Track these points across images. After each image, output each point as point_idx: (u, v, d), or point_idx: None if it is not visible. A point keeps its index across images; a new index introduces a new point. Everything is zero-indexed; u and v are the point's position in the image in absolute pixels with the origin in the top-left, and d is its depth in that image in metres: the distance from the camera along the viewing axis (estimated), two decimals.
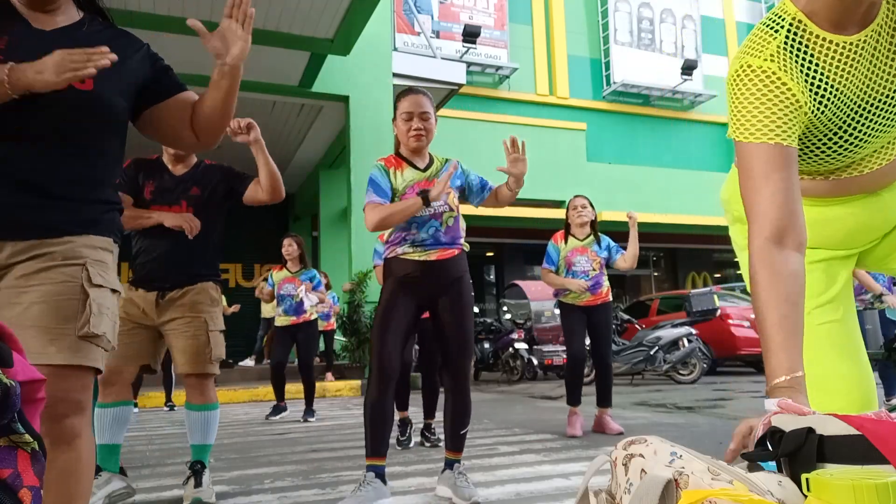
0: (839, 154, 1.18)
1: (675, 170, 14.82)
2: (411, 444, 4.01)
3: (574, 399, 4.30)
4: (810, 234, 1.20)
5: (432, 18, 13.59)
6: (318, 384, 8.13)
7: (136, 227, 2.65)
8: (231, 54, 1.57)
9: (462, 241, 2.70)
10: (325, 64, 8.34)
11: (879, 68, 1.15)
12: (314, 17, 7.00)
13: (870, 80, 1.15)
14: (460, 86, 9.14)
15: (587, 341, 4.57)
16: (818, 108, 1.14)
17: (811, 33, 1.13)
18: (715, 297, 9.87)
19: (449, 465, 2.63)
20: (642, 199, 14.45)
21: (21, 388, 0.83)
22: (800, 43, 1.13)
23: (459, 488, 2.50)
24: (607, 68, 15.05)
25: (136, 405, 7.05)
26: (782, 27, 1.13)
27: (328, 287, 7.90)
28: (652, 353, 8.38)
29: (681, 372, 8.50)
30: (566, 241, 4.41)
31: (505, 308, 11.48)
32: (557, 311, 4.51)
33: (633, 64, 15.06)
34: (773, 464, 1.15)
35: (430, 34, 13.04)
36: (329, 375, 8.57)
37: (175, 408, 7.01)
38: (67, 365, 1.33)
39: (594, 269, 4.32)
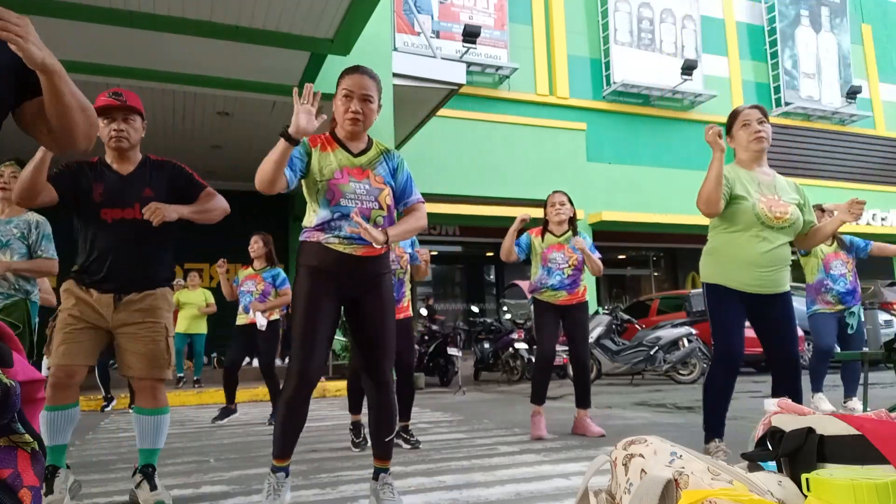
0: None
1: (675, 170, 14.82)
2: (367, 446, 3.88)
3: (540, 398, 4.23)
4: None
5: (432, 18, 13.59)
6: (325, 384, 8.14)
7: (38, 176, 2.39)
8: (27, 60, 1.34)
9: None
10: (325, 64, 8.34)
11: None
12: (314, 17, 6.99)
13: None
14: (460, 86, 9.14)
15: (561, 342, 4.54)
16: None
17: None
18: None
19: (375, 474, 2.45)
20: (642, 199, 14.44)
21: (21, 388, 0.83)
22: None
23: (383, 501, 2.35)
24: (607, 68, 15.04)
25: (109, 402, 7.03)
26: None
27: None
28: (652, 353, 8.38)
29: (681, 372, 8.50)
30: (543, 238, 4.38)
31: (505, 308, 11.48)
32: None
33: (633, 64, 15.06)
34: (773, 464, 1.15)
35: (430, 34, 13.04)
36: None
37: (111, 406, 6.96)
38: None
39: (570, 266, 4.29)
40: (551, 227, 4.38)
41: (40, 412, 0.93)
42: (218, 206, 2.75)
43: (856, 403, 5.01)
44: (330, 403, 7.18)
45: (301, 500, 2.69)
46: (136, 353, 2.59)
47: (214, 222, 2.76)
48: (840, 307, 4.95)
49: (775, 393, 2.78)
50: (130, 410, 6.85)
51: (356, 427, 3.97)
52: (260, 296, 5.35)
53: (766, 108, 2.95)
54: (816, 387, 4.95)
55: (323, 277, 2.33)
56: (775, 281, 2.79)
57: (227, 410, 5.59)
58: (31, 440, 0.85)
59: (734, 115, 2.95)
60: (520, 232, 4.35)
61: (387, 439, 2.43)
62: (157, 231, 2.60)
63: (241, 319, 5.45)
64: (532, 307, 4.47)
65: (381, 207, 2.36)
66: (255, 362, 6.17)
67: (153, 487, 2.61)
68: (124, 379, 2.77)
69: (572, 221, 4.40)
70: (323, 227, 2.32)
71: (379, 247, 2.28)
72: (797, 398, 2.68)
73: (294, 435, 2.34)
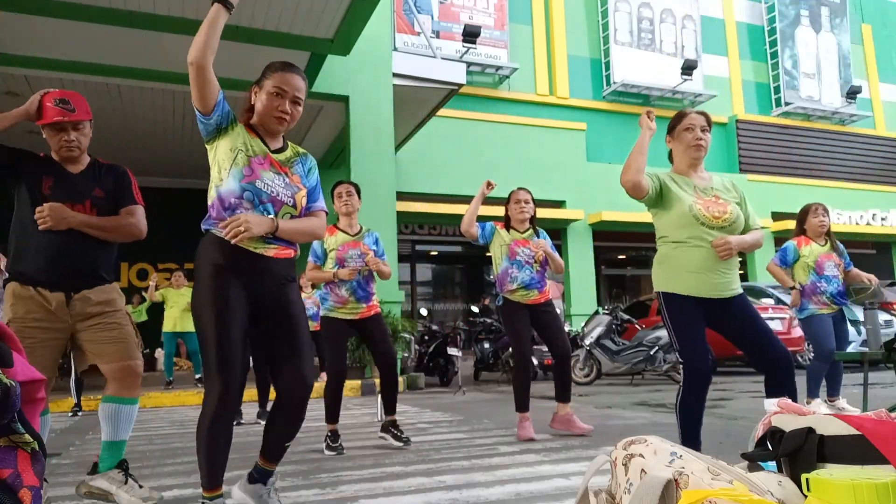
0: None
1: None
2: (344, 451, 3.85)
3: (525, 405, 4.20)
4: None
5: (432, 18, 13.59)
6: (317, 384, 8.13)
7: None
8: None
9: (296, 245, 2.35)
10: (325, 64, 8.34)
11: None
12: (314, 17, 6.99)
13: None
14: (460, 86, 9.14)
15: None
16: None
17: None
18: None
19: (262, 477, 2.36)
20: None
21: (21, 388, 0.83)
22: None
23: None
24: (607, 68, 15.04)
25: (78, 411, 6.75)
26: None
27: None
28: (652, 353, 8.37)
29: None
30: (508, 231, 4.36)
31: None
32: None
33: (633, 64, 15.06)
34: (773, 464, 1.15)
35: (430, 34, 13.04)
36: (323, 375, 8.56)
37: (80, 413, 6.64)
38: None
39: (536, 262, 4.27)
40: (514, 225, 4.37)
41: (40, 412, 0.93)
42: (127, 227, 2.68)
43: (842, 402, 5.00)
44: None
45: (301, 500, 2.69)
46: (106, 341, 2.57)
47: (118, 241, 2.70)
48: (835, 307, 4.95)
49: (771, 395, 2.76)
50: (69, 414, 6.70)
51: (334, 434, 3.89)
52: None
53: (710, 117, 2.94)
54: (813, 392, 4.90)
55: (231, 276, 2.14)
56: (727, 283, 2.78)
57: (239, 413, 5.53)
58: (31, 440, 0.85)
59: (680, 117, 2.95)
60: (483, 218, 4.32)
61: (286, 444, 2.35)
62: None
63: None
64: (500, 307, 4.38)
65: (294, 206, 2.26)
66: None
67: (140, 485, 2.61)
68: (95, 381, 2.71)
69: (533, 220, 4.40)
70: (227, 209, 2.16)
71: (262, 232, 2.12)
72: (795, 398, 2.67)
73: (224, 457, 2.15)
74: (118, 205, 2.71)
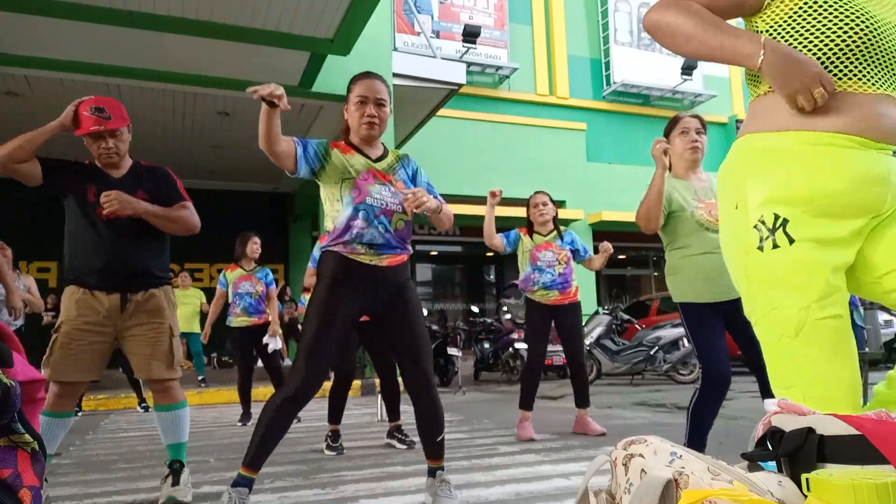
0: (863, 39, 1.21)
1: None
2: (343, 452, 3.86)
3: (529, 404, 4.23)
4: (835, 184, 1.23)
5: (432, 18, 13.59)
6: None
7: (34, 147, 2.46)
8: None
9: (409, 246, 2.51)
10: (325, 64, 8.34)
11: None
12: (314, 17, 6.99)
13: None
14: (460, 86, 9.14)
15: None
16: None
17: None
18: None
19: (431, 472, 2.52)
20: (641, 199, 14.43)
21: (21, 388, 0.83)
22: None
23: (439, 497, 2.40)
24: (607, 68, 15.04)
25: (147, 408, 7.02)
26: None
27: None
28: (652, 353, 8.37)
29: (681, 372, 8.49)
30: (531, 237, 4.39)
31: (505, 308, 11.47)
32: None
33: (633, 64, 15.06)
34: (773, 464, 1.15)
35: (430, 34, 13.04)
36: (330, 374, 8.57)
37: (149, 408, 6.98)
38: None
39: (560, 264, 4.30)
40: (536, 229, 4.40)
41: (40, 412, 0.93)
42: (186, 219, 2.73)
43: None
44: None
45: (301, 500, 2.69)
46: (141, 355, 2.63)
47: (175, 233, 2.74)
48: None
49: (766, 394, 2.76)
50: (138, 409, 6.91)
51: (335, 434, 3.90)
52: (259, 298, 5.38)
53: (704, 120, 2.95)
54: None
55: (343, 290, 2.32)
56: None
57: (248, 415, 5.55)
58: (31, 440, 0.85)
59: (674, 122, 2.95)
60: (505, 228, 4.35)
61: (438, 438, 2.47)
62: (154, 231, 2.66)
63: (239, 321, 5.38)
64: (524, 305, 4.48)
65: (404, 211, 2.41)
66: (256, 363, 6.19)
67: (175, 483, 2.65)
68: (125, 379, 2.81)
69: (556, 221, 4.42)
70: (345, 230, 2.34)
71: (426, 208, 2.31)
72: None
73: (273, 444, 2.26)
74: (167, 205, 2.72)
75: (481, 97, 13.83)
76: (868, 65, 1.24)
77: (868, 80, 1.24)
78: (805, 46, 1.27)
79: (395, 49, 11.29)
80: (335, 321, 2.28)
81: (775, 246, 1.25)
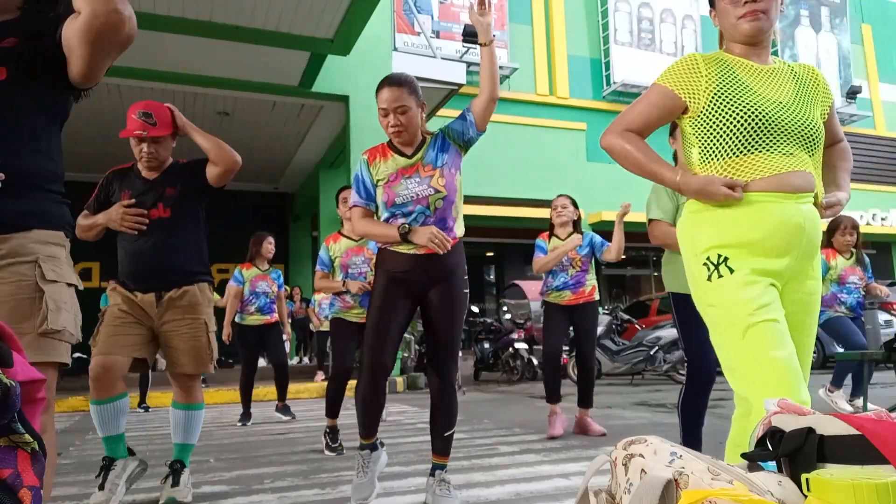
0: (758, 129, 1.64)
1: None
2: (343, 452, 3.88)
3: (554, 397, 4.28)
4: (759, 231, 1.62)
5: (432, 18, 13.59)
6: (316, 384, 8.15)
7: (93, 236, 2.69)
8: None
9: (456, 229, 2.54)
10: (325, 64, 8.34)
11: (776, 84, 1.70)
12: (314, 17, 6.99)
13: (770, 87, 1.69)
14: (460, 86, 9.13)
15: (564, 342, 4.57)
16: (734, 91, 1.67)
17: (733, 55, 1.75)
18: None
19: (432, 470, 2.56)
20: (642, 199, 14.41)
21: (21, 388, 0.83)
22: (723, 60, 1.74)
23: (438, 498, 2.42)
24: (607, 68, 15.04)
25: (147, 408, 7.04)
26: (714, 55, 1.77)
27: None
28: (652, 353, 8.38)
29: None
30: (550, 241, 4.43)
31: (505, 308, 11.47)
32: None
33: (633, 64, 15.05)
34: (773, 464, 1.15)
35: (430, 34, 13.04)
36: (319, 375, 8.58)
37: (150, 409, 6.98)
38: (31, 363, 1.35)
39: (574, 268, 4.33)
40: (557, 231, 4.43)
41: (40, 412, 0.93)
42: (230, 149, 2.82)
43: (839, 395, 5.12)
44: None
45: (301, 499, 2.70)
46: (178, 349, 2.64)
47: (226, 161, 2.75)
48: (850, 314, 5.08)
49: None
50: (138, 409, 6.92)
51: (333, 432, 3.92)
52: (273, 298, 5.51)
53: None
54: (838, 381, 5.07)
55: (394, 280, 2.47)
56: None
57: (248, 415, 5.54)
58: (31, 440, 0.85)
59: (674, 126, 2.67)
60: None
61: (446, 434, 2.53)
62: (185, 227, 2.69)
63: (252, 320, 5.45)
64: (542, 310, 4.53)
65: (437, 192, 2.43)
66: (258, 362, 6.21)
67: (175, 483, 2.66)
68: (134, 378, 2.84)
69: (576, 224, 4.45)
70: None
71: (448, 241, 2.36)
72: None
73: (376, 417, 2.53)
74: (196, 174, 2.74)
75: None
76: (767, 138, 1.63)
77: (771, 149, 1.64)
78: (719, 133, 1.67)
79: (395, 49, 11.29)
80: (386, 307, 2.45)
81: (720, 276, 1.64)
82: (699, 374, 2.76)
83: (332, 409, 3.96)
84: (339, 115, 9.52)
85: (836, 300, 5.05)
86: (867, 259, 5.23)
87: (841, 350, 5.08)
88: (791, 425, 1.10)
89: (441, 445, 2.55)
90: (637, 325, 9.58)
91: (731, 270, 1.62)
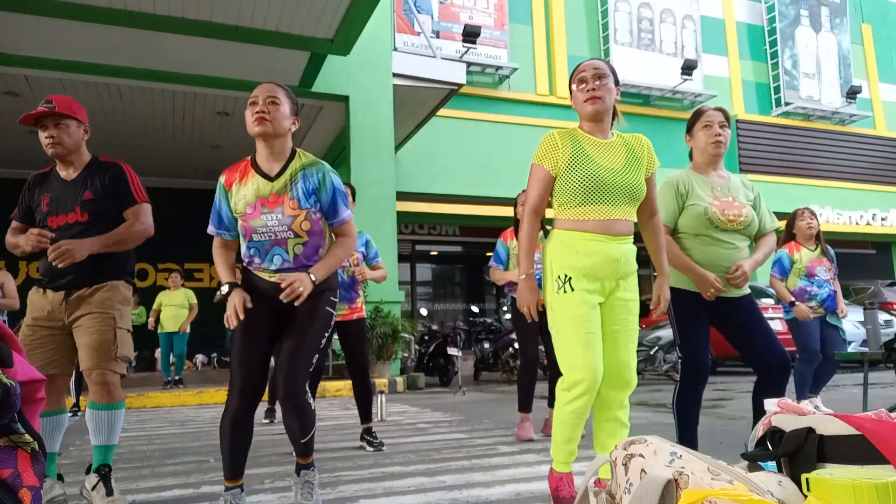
0: (594, 188, 2.28)
1: (674, 170, 14.76)
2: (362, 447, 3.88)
3: (528, 405, 4.22)
4: (591, 261, 2.28)
5: (432, 18, 13.58)
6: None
7: (21, 253, 2.67)
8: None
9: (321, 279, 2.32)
10: (325, 64, 8.33)
11: (611, 155, 2.37)
12: (314, 17, 6.99)
13: (606, 157, 2.36)
14: (460, 86, 9.13)
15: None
16: (580, 160, 2.33)
17: (583, 132, 2.44)
18: None
19: (297, 469, 2.45)
20: None
21: (21, 388, 0.83)
22: (575, 136, 2.41)
23: (301, 498, 2.38)
24: None
25: (77, 411, 6.56)
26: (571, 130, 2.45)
27: None
28: (652, 353, 8.37)
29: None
30: (511, 241, 4.37)
31: (505, 308, 11.46)
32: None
33: (632, 64, 15.05)
34: (773, 464, 1.15)
35: (430, 34, 13.03)
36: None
37: (79, 413, 6.47)
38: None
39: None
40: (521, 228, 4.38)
41: (39, 412, 0.93)
42: (135, 233, 2.70)
43: (817, 401, 4.92)
44: (330, 403, 7.18)
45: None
46: (84, 345, 2.58)
47: (135, 246, 2.73)
48: (821, 312, 4.85)
49: (758, 395, 2.75)
50: (69, 414, 6.63)
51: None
52: None
53: (728, 113, 2.94)
54: (802, 394, 4.85)
55: (257, 299, 2.28)
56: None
57: (274, 411, 5.50)
58: (31, 440, 0.85)
59: (697, 115, 2.97)
60: (506, 228, 4.34)
61: (302, 440, 2.36)
62: (100, 230, 2.64)
63: None
64: (510, 306, 4.46)
65: (297, 235, 2.26)
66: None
67: (109, 492, 2.56)
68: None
69: (543, 223, 4.38)
70: (248, 262, 2.34)
71: (306, 292, 2.20)
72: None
73: (243, 452, 2.29)
74: (119, 205, 2.71)
75: (481, 97, 13.83)
76: (602, 194, 2.28)
77: (605, 201, 2.29)
78: (570, 189, 2.30)
79: (395, 49, 11.29)
80: (255, 328, 2.30)
81: (565, 291, 2.28)
82: (692, 369, 2.77)
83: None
84: (338, 115, 9.51)
85: (805, 294, 4.83)
86: (832, 251, 5.02)
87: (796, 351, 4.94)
88: (791, 425, 1.10)
89: (299, 449, 2.40)
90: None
91: (573, 289, 2.26)
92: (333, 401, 7.51)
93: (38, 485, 0.86)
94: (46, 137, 2.65)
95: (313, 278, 2.24)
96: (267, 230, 2.25)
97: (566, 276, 2.28)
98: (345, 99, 8.99)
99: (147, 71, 7.85)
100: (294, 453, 2.45)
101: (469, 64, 12.97)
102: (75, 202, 2.64)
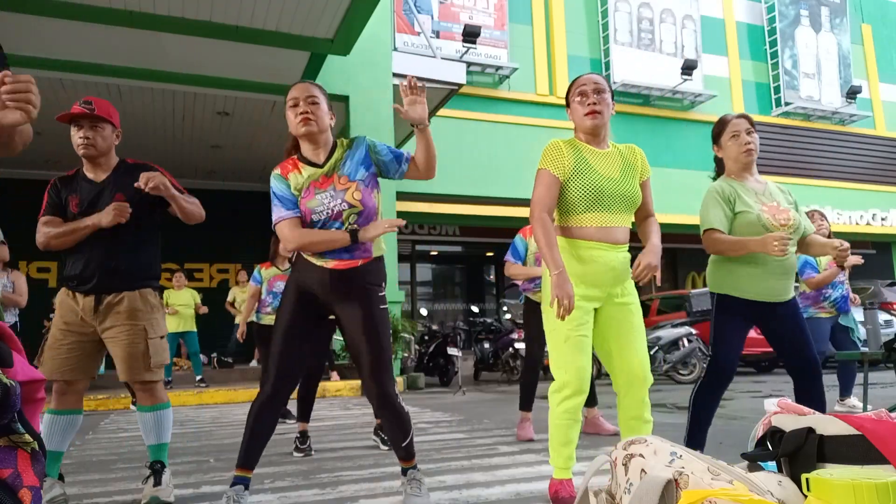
0: (594, 197, 2.38)
1: (674, 170, 14.82)
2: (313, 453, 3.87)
3: (529, 404, 4.22)
4: (590, 268, 2.38)
5: (432, 18, 13.58)
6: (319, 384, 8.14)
7: (75, 240, 2.63)
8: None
9: (373, 249, 2.41)
10: (325, 64, 8.34)
11: (610, 165, 2.47)
12: (314, 17, 6.99)
13: (606, 167, 2.45)
14: (460, 86, 9.13)
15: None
16: (583, 169, 2.41)
17: (582, 142, 2.51)
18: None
19: (403, 472, 2.49)
20: None
21: (21, 388, 0.83)
22: (576, 146, 2.48)
23: (408, 496, 2.40)
24: (607, 68, 15.04)
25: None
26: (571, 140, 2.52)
27: None
28: (652, 353, 8.37)
29: (681, 372, 8.49)
30: (530, 239, 4.36)
31: (505, 308, 11.47)
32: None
33: (633, 64, 15.05)
34: (773, 464, 1.15)
35: (430, 34, 13.04)
36: (334, 374, 8.57)
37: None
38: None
39: None
40: None
41: (41, 412, 0.93)
42: (198, 204, 2.77)
43: (854, 401, 5.01)
44: (330, 403, 7.18)
45: (301, 499, 2.69)
46: (117, 356, 2.65)
47: (189, 220, 2.76)
48: (834, 313, 4.98)
49: (800, 398, 2.79)
50: (132, 408, 6.92)
51: (303, 435, 3.89)
52: None
53: (751, 117, 2.94)
54: (847, 391, 4.97)
55: (303, 291, 2.39)
56: (785, 289, 2.81)
57: (286, 411, 5.48)
58: (31, 440, 0.85)
59: (723, 124, 2.95)
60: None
61: (403, 444, 2.44)
62: (133, 234, 2.67)
63: (269, 320, 5.40)
64: (523, 304, 4.46)
65: (351, 206, 2.33)
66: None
67: (157, 483, 2.66)
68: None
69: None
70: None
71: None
72: (823, 400, 2.76)
73: (261, 444, 2.35)
74: (148, 202, 2.72)
75: (481, 97, 13.83)
76: (601, 204, 2.38)
77: (603, 209, 2.39)
78: (572, 196, 2.39)
79: (395, 49, 11.29)
80: (297, 322, 2.38)
81: None
82: (720, 371, 2.81)
83: (303, 413, 3.97)
84: (339, 115, 9.48)
85: (820, 296, 4.96)
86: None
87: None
88: (791, 425, 1.10)
89: (401, 453, 2.45)
90: None
91: None
92: (333, 401, 7.51)
93: (38, 485, 0.86)
94: (81, 138, 2.66)
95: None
96: (323, 207, 2.33)
97: None
98: (345, 99, 8.99)
99: (147, 71, 7.85)
100: (398, 457, 2.48)
101: (469, 64, 12.98)
102: (106, 205, 2.65)
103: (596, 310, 2.44)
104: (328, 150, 2.42)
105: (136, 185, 2.56)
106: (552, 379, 2.44)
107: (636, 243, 2.41)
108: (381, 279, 2.45)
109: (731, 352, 2.81)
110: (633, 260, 2.41)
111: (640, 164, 2.54)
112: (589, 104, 2.42)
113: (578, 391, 2.32)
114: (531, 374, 4.29)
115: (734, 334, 2.82)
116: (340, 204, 2.32)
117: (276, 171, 2.42)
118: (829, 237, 5.00)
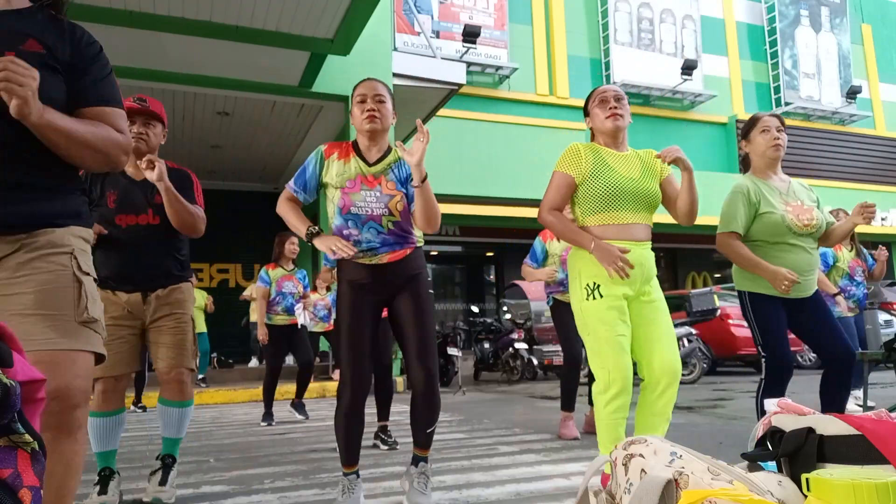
0: (614, 196, 2.44)
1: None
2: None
3: (570, 404, 4.22)
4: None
5: (432, 18, 13.59)
6: (319, 384, 8.15)
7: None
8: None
9: (416, 236, 2.54)
10: (325, 64, 8.33)
11: (629, 166, 2.53)
12: (314, 17, 6.99)
13: (625, 168, 2.51)
14: (460, 86, 9.13)
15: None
16: (602, 169, 2.48)
17: (602, 146, 2.58)
18: (715, 297, 9.86)
19: (415, 461, 2.55)
20: None
21: (21, 388, 0.83)
22: (596, 148, 2.55)
23: (414, 491, 2.44)
24: (607, 68, 15.05)
25: (144, 408, 7.05)
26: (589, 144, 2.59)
27: (328, 288, 7.93)
28: None
29: (682, 372, 8.47)
30: (559, 240, 4.38)
31: (505, 308, 11.47)
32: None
33: (633, 64, 15.06)
34: (773, 464, 1.15)
35: (430, 34, 13.04)
36: (336, 374, 8.57)
37: (147, 409, 6.96)
38: (72, 350, 1.36)
39: None
40: None
41: (39, 412, 0.93)
42: (196, 215, 2.70)
43: (851, 404, 5.03)
44: (330, 403, 7.18)
45: (301, 499, 2.70)
46: (164, 344, 2.68)
47: (180, 227, 2.69)
48: (857, 311, 5.07)
49: (828, 388, 2.87)
50: (136, 409, 6.93)
51: (383, 430, 4.07)
52: (299, 298, 5.55)
53: (783, 119, 3.01)
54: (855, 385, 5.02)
55: (359, 289, 2.47)
56: (810, 284, 2.90)
57: (271, 415, 5.46)
58: (31, 440, 0.85)
59: (754, 121, 3.02)
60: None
61: (428, 430, 2.51)
62: (172, 233, 2.71)
63: (279, 320, 5.46)
64: (551, 307, 4.47)
65: (391, 214, 2.42)
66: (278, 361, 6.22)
67: (163, 482, 2.68)
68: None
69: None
70: (343, 235, 2.44)
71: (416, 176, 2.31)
72: (848, 391, 2.85)
73: (357, 442, 2.47)
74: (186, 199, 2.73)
75: (481, 97, 13.83)
76: (621, 203, 2.44)
77: (624, 207, 2.45)
78: (593, 196, 2.45)
79: (395, 49, 11.29)
80: (361, 319, 2.44)
81: (595, 298, 2.41)
82: (777, 366, 2.86)
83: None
84: (339, 115, 9.51)
85: (845, 293, 5.04)
86: (865, 251, 5.24)
87: None
88: (791, 425, 1.10)
89: (423, 440, 2.54)
90: None
91: (601, 296, 2.40)
92: (334, 401, 7.51)
93: (39, 485, 0.86)
94: (134, 133, 2.65)
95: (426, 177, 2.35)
96: (365, 205, 2.40)
97: (595, 283, 2.41)
98: (345, 99, 8.98)
99: (147, 71, 7.84)
100: (416, 443, 2.54)
101: (469, 64, 12.99)
102: (148, 204, 2.67)
103: None
104: (383, 151, 2.50)
105: (142, 166, 2.53)
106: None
107: (659, 243, 2.45)
108: (424, 265, 2.58)
109: (782, 341, 2.87)
110: (657, 260, 2.44)
111: (659, 164, 2.60)
112: (610, 108, 2.51)
113: (624, 390, 2.34)
114: (571, 373, 4.29)
115: (778, 324, 2.88)
116: (383, 209, 2.41)
117: (323, 147, 2.51)
118: (852, 238, 5.13)
